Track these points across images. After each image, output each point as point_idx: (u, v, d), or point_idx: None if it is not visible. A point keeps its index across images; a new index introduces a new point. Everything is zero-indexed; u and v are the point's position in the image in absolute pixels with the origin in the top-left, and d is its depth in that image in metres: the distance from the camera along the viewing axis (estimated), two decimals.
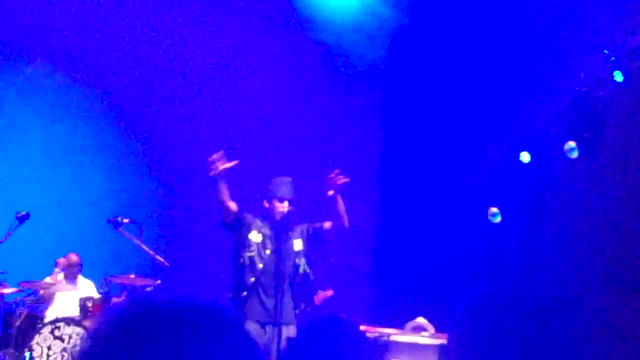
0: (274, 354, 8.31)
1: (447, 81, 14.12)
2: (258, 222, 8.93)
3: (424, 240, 14.11)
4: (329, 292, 12.21)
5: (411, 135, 14.82)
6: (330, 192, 8.81)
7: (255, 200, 9.39)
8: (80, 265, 12.81)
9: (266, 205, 8.98)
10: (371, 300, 14.68)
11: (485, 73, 13.62)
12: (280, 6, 14.62)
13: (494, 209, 13.40)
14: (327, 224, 9.05)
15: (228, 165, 8.65)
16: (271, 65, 15.33)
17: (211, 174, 8.66)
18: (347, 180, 8.77)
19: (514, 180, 13.44)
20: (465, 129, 14.10)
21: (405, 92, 15.22)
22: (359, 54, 15.16)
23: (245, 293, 8.62)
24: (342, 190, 8.83)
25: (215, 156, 8.65)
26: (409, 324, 11.49)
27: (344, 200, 8.93)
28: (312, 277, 8.99)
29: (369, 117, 15.60)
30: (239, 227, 8.83)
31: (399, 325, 10.82)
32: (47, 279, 12.24)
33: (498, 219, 13.40)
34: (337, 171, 8.83)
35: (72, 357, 10.67)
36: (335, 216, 8.93)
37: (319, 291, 12.17)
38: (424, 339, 10.20)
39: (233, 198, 8.93)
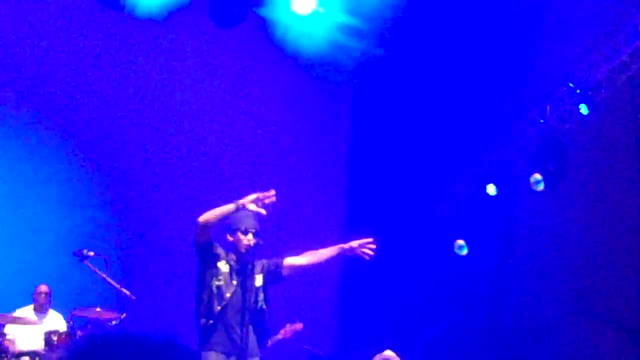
0: None
1: (413, 114, 14.19)
2: (225, 254, 8.76)
3: (390, 272, 14.11)
4: (299, 326, 12.09)
5: (378, 166, 14.86)
6: (348, 252, 8.70)
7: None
8: (49, 295, 12.72)
9: (230, 238, 8.70)
10: (338, 333, 14.65)
11: (451, 106, 13.70)
12: (250, 38, 14.69)
13: (460, 242, 13.45)
14: (288, 261, 8.87)
15: (262, 210, 8.42)
16: (235, 94, 15.38)
17: (246, 204, 8.40)
18: (372, 253, 8.69)
19: (481, 213, 13.49)
20: (431, 162, 14.15)
21: (371, 124, 15.27)
22: (325, 84, 15.23)
23: (211, 322, 8.49)
24: (358, 257, 8.76)
25: (266, 195, 8.38)
26: (377, 357, 11.47)
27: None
28: (267, 314, 8.84)
29: (335, 147, 15.64)
30: (208, 252, 8.62)
31: (367, 358, 10.80)
32: (16, 313, 12.14)
33: (464, 252, 13.45)
34: (370, 241, 8.69)
35: None
36: (318, 264, 8.83)
37: (288, 324, 12.05)
38: None
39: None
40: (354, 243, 8.62)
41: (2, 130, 14.69)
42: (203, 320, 8.51)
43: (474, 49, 13.08)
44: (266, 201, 8.28)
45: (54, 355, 10.56)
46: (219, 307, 8.47)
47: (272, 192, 8.30)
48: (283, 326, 11.98)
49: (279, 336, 11.80)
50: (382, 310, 13.96)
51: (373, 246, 8.60)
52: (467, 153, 13.73)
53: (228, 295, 8.50)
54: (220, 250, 8.66)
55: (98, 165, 15.08)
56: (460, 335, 12.35)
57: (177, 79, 15.33)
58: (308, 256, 8.77)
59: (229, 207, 8.36)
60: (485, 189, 13.27)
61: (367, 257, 8.60)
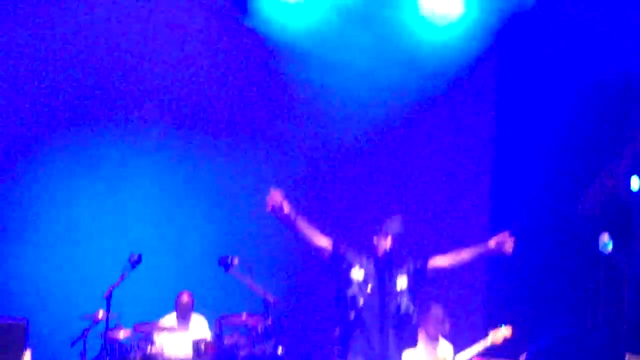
0: None
1: (553, 111, 13.94)
2: (361, 259, 8.77)
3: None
4: (508, 331, 11.68)
5: (521, 153, 14.49)
6: (491, 247, 8.71)
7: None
8: (192, 302, 12.98)
9: (374, 241, 8.83)
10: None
11: (593, 98, 13.43)
12: None
13: (606, 237, 13.14)
14: (433, 262, 8.85)
15: (285, 208, 8.35)
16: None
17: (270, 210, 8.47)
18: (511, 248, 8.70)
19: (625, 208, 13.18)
20: (575, 154, 13.87)
21: (512, 107, 14.85)
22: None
23: (345, 330, 8.61)
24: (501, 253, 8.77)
25: (272, 197, 8.37)
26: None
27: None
28: (414, 318, 8.82)
29: (478, 129, 15.21)
30: (336, 264, 8.70)
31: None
32: (162, 320, 12.43)
33: (609, 248, 13.15)
34: (508, 234, 8.70)
35: None
36: (461, 265, 8.83)
37: (494, 331, 11.66)
38: None
39: (325, 231, 8.79)
40: (492, 242, 8.65)
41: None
42: (337, 330, 8.66)
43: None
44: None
45: None
46: (353, 315, 8.55)
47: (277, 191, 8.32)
48: (487, 332, 11.60)
49: (488, 343, 11.50)
50: None
51: (512, 238, 8.62)
52: (611, 145, 13.42)
53: (361, 303, 8.56)
54: (353, 257, 8.73)
55: (243, 174, 15.21)
56: None
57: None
58: (452, 256, 8.80)
59: (287, 226, 8.53)
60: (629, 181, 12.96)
61: (509, 254, 8.62)
